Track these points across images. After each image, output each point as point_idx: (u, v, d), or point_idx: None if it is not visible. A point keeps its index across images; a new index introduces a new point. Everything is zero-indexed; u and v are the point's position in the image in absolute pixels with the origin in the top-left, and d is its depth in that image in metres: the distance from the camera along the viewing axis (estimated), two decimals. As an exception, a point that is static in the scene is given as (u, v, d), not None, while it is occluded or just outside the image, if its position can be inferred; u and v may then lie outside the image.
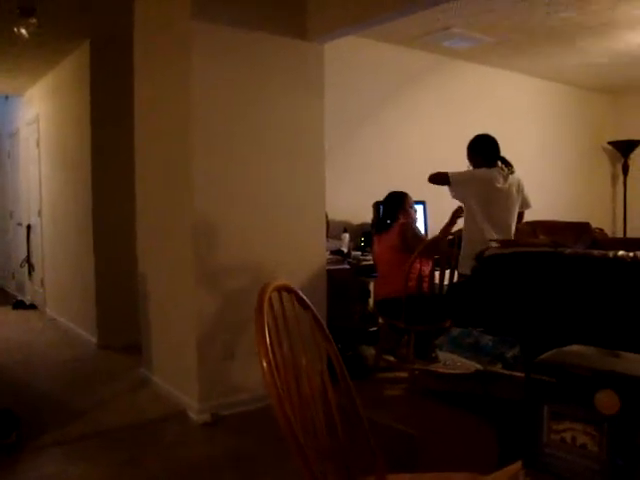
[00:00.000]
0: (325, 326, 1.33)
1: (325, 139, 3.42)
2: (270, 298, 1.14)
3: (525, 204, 3.49)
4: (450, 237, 3.56)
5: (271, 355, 1.00)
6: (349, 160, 4.49)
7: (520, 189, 3.46)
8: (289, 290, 1.26)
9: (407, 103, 4.87)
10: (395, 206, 3.68)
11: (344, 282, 3.84)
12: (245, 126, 3.07)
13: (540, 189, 5.34)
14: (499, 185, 3.35)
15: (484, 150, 3.43)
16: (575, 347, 1.03)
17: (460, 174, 3.32)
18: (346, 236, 4.16)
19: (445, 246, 3.45)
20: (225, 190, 3.00)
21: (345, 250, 4.05)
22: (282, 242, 3.23)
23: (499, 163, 3.40)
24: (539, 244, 2.37)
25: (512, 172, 3.36)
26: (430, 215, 4.57)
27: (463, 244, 3.48)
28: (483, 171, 3.36)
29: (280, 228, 3.22)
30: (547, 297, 2.09)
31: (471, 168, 3.46)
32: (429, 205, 4.56)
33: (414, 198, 3.86)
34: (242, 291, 2.92)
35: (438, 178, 3.29)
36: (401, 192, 3.72)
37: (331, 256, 3.85)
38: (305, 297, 1.31)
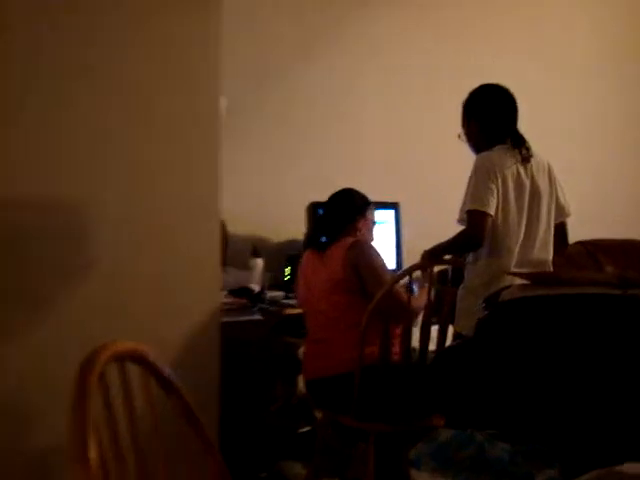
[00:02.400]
0: (212, 426, 1.35)
1: (224, 97, 3.53)
2: (103, 375, 1.16)
3: (561, 209, 3.66)
4: (442, 268, 3.69)
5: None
6: (265, 134, 4.57)
7: (552, 180, 3.64)
8: (141, 360, 1.29)
9: (364, 37, 4.98)
10: (349, 211, 3.76)
11: (253, 345, 3.86)
12: (70, 62, 3.09)
13: (599, 179, 5.52)
14: (515, 177, 3.49)
15: (489, 113, 3.60)
16: (630, 467, 1.12)
17: (477, 194, 3.40)
18: (258, 263, 4.21)
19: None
20: (17, 181, 3.00)
21: (256, 288, 4.11)
22: (134, 272, 3.23)
23: (509, 141, 3.56)
24: (597, 280, 2.44)
25: (530, 154, 3.55)
26: (406, 224, 4.68)
27: (464, 281, 3.58)
28: (487, 161, 3.48)
29: (131, 248, 3.23)
30: (610, 375, 2.16)
31: (463, 139, 3.67)
32: (404, 210, 4.67)
33: (381, 198, 3.96)
34: (56, 359, 2.86)
35: (478, 229, 3.38)
36: (360, 193, 3.84)
37: (230, 299, 3.91)
38: (172, 373, 1.35)
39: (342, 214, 3.79)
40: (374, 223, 3.88)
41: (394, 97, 5.07)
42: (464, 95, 3.68)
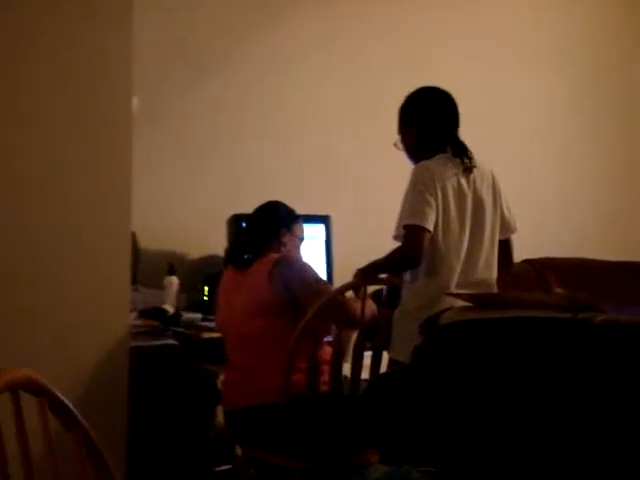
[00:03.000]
0: (120, 463, 1.39)
1: (136, 97, 3.59)
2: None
3: (506, 225, 3.65)
4: (377, 288, 3.68)
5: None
6: (184, 139, 4.56)
7: (497, 192, 3.62)
8: (38, 390, 1.27)
9: (294, 39, 4.98)
10: (274, 225, 3.76)
11: (166, 373, 3.77)
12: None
13: (557, 190, 5.62)
14: (456, 189, 3.48)
15: (428, 118, 3.58)
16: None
17: (415, 207, 3.36)
18: (173, 282, 4.17)
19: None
20: None
21: (170, 309, 4.05)
22: (32, 290, 3.21)
23: (449, 148, 3.54)
24: (545, 303, 2.45)
25: (472, 164, 3.52)
26: (337, 240, 4.68)
27: (401, 303, 3.54)
28: (425, 171, 3.46)
29: (28, 263, 3.22)
30: (557, 407, 2.19)
31: (400, 147, 3.64)
32: (336, 224, 4.68)
33: (311, 211, 3.94)
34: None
35: (415, 246, 3.32)
36: (286, 206, 3.83)
37: (141, 321, 3.84)
38: (71, 405, 1.33)
39: (266, 227, 3.76)
40: (301, 239, 3.85)
41: (325, 104, 5.04)
42: (401, 100, 3.64)
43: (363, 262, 3.56)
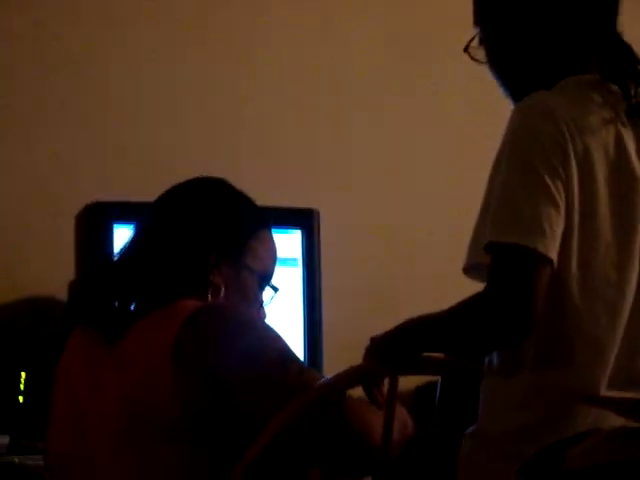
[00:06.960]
0: None
1: None
2: None
3: None
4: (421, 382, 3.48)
5: None
6: None
7: None
8: None
9: None
10: (198, 242, 2.85)
11: None
12: None
13: None
14: (613, 156, 2.50)
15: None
16: None
17: (516, 202, 2.36)
18: None
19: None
20: None
21: None
22: None
23: (595, 64, 2.58)
24: None
25: None
26: (329, 263, 3.84)
27: (478, 420, 2.50)
28: (540, 115, 2.45)
29: None
30: None
31: (479, 58, 2.68)
32: (327, 224, 3.86)
33: (272, 201, 3.32)
34: None
35: (520, 294, 2.33)
36: (240, 194, 2.96)
37: None
38: None
39: (178, 246, 2.72)
40: (265, 279, 2.83)
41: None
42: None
43: (386, 321, 2.42)
